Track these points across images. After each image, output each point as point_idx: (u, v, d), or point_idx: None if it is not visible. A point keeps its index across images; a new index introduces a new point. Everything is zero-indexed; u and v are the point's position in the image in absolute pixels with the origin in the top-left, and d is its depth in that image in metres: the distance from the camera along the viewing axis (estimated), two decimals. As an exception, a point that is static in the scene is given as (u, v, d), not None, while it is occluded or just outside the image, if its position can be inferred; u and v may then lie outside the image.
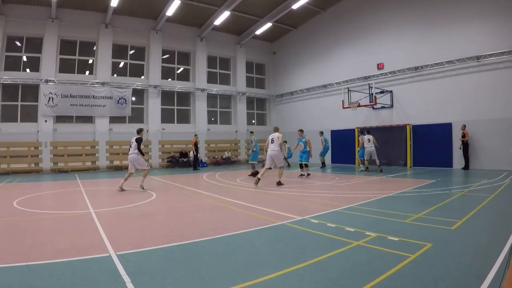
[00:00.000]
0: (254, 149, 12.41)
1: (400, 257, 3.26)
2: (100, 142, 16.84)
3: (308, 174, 11.51)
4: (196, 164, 16.66)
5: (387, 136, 13.29)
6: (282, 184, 9.08)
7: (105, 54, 17.05)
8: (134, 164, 9.11)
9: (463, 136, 12.49)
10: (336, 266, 3.12)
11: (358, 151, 13.34)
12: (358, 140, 12.98)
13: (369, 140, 12.59)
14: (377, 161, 12.53)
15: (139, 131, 9.41)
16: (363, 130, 14.20)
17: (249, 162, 12.91)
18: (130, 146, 9.18)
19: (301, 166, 11.76)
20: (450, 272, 2.88)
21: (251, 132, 13.69)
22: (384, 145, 13.90)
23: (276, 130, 9.96)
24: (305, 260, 3.25)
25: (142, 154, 9.19)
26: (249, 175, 12.07)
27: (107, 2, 15.23)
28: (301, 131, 11.95)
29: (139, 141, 9.10)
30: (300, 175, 11.57)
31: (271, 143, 9.53)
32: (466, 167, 12.54)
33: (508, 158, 11.57)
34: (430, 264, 3.07)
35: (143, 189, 8.79)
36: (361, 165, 13.52)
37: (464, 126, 12.57)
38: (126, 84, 17.67)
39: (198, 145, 16.84)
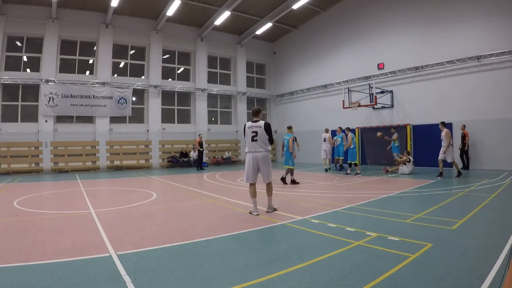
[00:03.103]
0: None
1: (400, 257, 3.26)
2: (101, 142, 16.86)
3: (358, 173, 11.63)
4: (201, 164, 16.69)
5: (387, 136, 13.39)
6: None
7: (105, 54, 17.06)
8: (261, 169, 5.61)
9: (464, 136, 12.46)
10: (336, 266, 3.12)
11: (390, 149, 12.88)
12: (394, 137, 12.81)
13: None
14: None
15: (258, 111, 5.74)
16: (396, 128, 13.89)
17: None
18: (252, 138, 5.55)
19: (350, 164, 11.92)
20: (451, 272, 2.88)
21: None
22: (385, 145, 13.90)
23: (326, 131, 13.76)
24: (305, 260, 3.25)
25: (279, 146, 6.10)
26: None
27: (108, 2, 15.24)
28: (348, 129, 12.46)
29: (268, 128, 5.56)
30: (347, 173, 11.74)
31: (324, 141, 13.58)
32: (467, 167, 12.53)
33: (508, 158, 11.57)
34: (431, 264, 3.07)
35: (274, 209, 5.73)
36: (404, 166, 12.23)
37: (464, 126, 12.56)
38: (126, 84, 17.67)
39: (203, 145, 16.91)
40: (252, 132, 5.54)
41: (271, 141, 5.65)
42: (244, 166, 5.76)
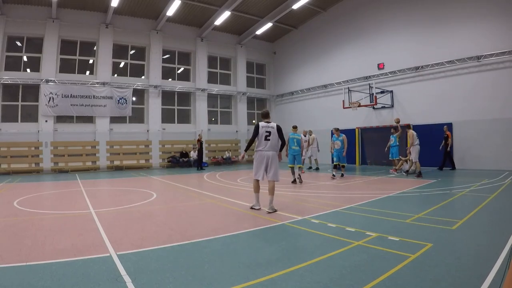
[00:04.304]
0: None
1: (400, 257, 3.26)
2: (101, 142, 16.86)
3: (342, 175, 11.27)
4: (201, 164, 16.69)
5: (388, 136, 13.39)
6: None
7: (105, 54, 17.06)
8: (270, 167, 5.76)
9: (446, 137, 12.36)
10: (336, 266, 3.12)
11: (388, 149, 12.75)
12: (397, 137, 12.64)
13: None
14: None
15: (268, 113, 6.06)
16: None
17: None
18: (266, 137, 5.78)
19: (336, 166, 11.44)
20: (451, 272, 2.88)
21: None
22: (385, 145, 13.88)
23: (310, 133, 14.56)
24: (305, 260, 3.25)
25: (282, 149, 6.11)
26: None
27: (108, 2, 15.25)
28: (337, 129, 12.03)
29: (280, 131, 5.88)
30: (333, 176, 10.97)
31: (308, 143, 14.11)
32: (453, 167, 12.64)
33: (508, 158, 11.56)
34: (431, 264, 3.07)
35: (275, 210, 5.65)
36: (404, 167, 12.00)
37: (447, 127, 12.59)
38: (126, 84, 17.68)
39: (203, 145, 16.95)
40: (266, 131, 5.82)
41: (283, 143, 6.00)
42: (253, 164, 5.95)
